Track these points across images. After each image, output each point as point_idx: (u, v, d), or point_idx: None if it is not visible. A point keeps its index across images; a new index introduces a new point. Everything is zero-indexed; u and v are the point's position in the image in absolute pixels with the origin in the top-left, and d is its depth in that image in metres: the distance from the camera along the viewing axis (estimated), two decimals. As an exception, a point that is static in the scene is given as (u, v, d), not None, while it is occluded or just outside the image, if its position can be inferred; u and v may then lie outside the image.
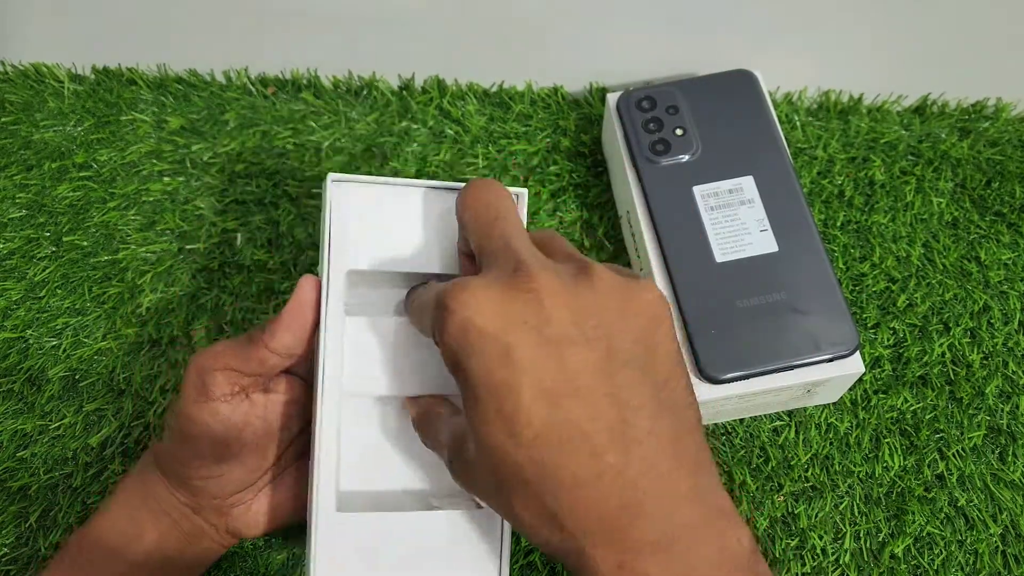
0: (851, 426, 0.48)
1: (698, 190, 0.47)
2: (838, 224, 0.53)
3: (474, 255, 0.35)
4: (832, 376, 0.44)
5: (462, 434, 0.33)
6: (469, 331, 0.30)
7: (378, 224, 0.39)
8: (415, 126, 0.56)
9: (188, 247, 0.52)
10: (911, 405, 0.48)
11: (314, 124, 0.56)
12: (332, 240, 0.39)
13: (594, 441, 0.28)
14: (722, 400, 0.44)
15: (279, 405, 0.40)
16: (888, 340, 0.50)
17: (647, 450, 0.29)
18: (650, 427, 0.29)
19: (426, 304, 0.33)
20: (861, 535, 0.46)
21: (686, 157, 0.48)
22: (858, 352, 0.44)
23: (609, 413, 0.29)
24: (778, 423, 0.48)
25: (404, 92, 0.58)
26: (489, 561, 0.38)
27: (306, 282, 0.38)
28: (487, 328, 0.29)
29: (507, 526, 0.38)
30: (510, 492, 0.30)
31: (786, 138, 0.51)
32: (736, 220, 0.46)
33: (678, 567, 0.28)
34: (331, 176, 0.38)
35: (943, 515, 0.46)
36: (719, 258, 0.45)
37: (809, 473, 0.47)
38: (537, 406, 0.29)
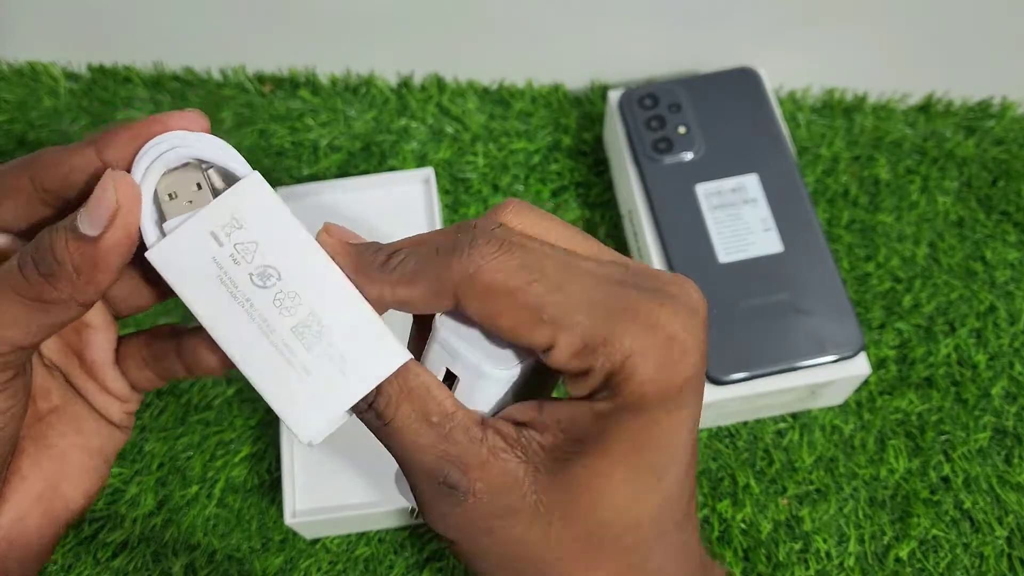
0: (856, 428, 0.47)
1: (701, 189, 0.47)
2: (843, 223, 0.52)
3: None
4: (837, 378, 0.43)
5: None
6: (699, 372, 0.22)
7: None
8: (414, 124, 0.56)
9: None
10: (916, 407, 0.48)
11: (312, 122, 0.56)
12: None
13: None
14: (726, 402, 0.43)
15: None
16: (893, 341, 0.49)
17: None
18: None
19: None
20: (866, 538, 0.45)
21: (689, 155, 0.47)
22: (863, 353, 0.44)
23: None
24: (782, 425, 0.48)
25: (403, 89, 0.57)
26: None
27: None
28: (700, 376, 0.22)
29: None
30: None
31: (790, 136, 0.51)
32: (740, 219, 0.46)
33: None
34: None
35: (948, 518, 0.45)
36: (722, 258, 0.45)
37: (813, 476, 0.46)
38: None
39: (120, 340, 0.28)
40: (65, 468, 0.27)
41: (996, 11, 0.51)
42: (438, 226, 0.48)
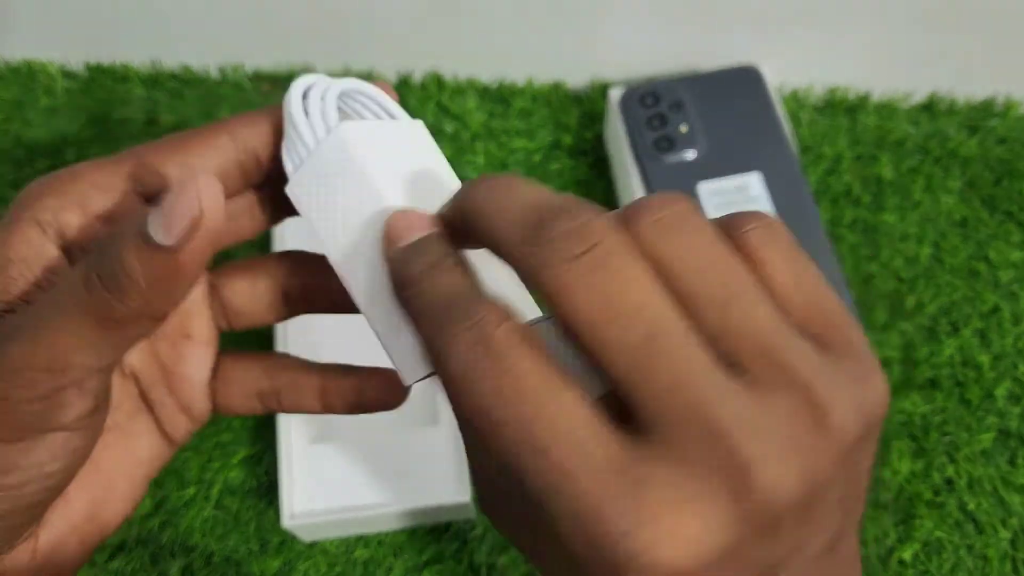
0: (858, 429, 0.47)
1: (703, 188, 0.46)
2: (845, 223, 0.52)
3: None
4: (840, 379, 0.43)
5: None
6: None
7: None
8: (414, 123, 0.56)
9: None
10: (920, 408, 0.47)
11: (311, 121, 0.55)
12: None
13: None
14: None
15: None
16: (897, 342, 0.49)
17: None
18: None
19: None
20: (869, 541, 0.45)
21: (691, 154, 0.47)
22: (867, 354, 0.43)
23: None
24: (784, 426, 0.47)
25: (402, 87, 0.57)
26: (455, 475, 0.42)
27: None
28: None
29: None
30: None
31: (792, 135, 0.51)
32: (742, 219, 0.45)
33: None
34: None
35: (952, 520, 0.45)
36: (724, 258, 0.45)
37: (816, 477, 0.46)
38: None
39: (222, 359, 0.25)
40: (109, 494, 0.25)
41: (999, 9, 0.51)
42: None
